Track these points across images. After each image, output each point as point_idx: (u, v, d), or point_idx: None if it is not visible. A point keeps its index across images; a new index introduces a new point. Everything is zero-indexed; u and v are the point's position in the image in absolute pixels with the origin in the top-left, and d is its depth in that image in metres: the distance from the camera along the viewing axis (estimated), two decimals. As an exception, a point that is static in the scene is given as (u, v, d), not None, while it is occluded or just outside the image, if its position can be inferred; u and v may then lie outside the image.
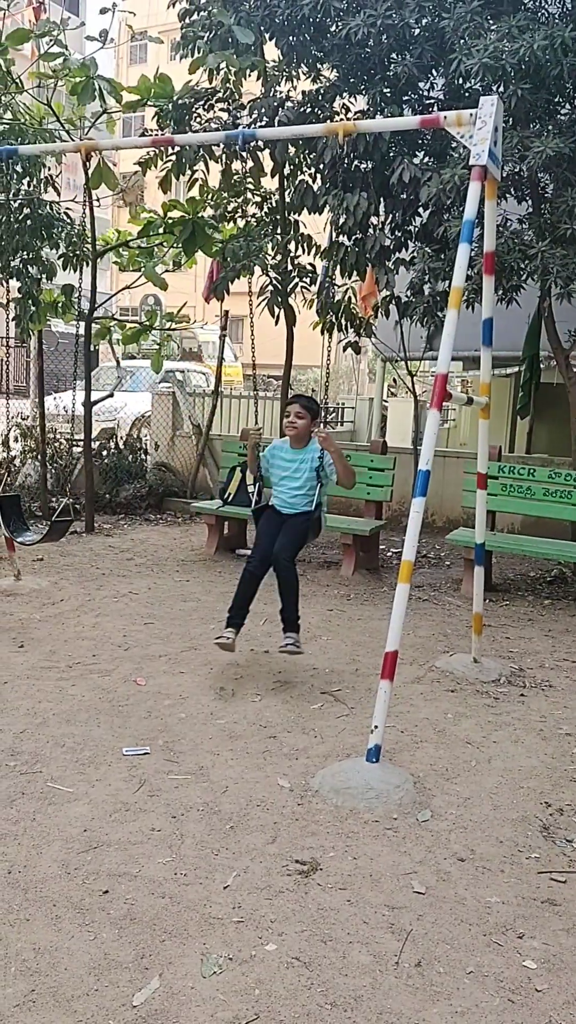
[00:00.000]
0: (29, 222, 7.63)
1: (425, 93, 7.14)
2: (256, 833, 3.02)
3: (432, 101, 7.10)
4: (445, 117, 3.88)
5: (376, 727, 3.46)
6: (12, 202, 7.30)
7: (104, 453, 9.52)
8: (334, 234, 7.58)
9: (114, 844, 2.90)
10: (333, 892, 2.70)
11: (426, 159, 6.96)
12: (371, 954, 2.42)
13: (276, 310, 7.94)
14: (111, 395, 9.16)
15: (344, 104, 7.47)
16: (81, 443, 8.50)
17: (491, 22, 5.94)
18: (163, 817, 3.09)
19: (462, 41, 5.89)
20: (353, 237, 7.16)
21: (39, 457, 8.67)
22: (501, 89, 5.89)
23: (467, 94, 6.64)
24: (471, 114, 3.79)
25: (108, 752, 3.59)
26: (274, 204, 8.15)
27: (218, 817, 3.11)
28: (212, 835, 2.99)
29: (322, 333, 8.36)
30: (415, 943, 2.48)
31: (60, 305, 8.28)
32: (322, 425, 5.03)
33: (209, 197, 8.18)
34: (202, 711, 4.09)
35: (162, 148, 7.57)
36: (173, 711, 4.07)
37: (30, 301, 7.83)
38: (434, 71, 6.83)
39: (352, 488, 4.99)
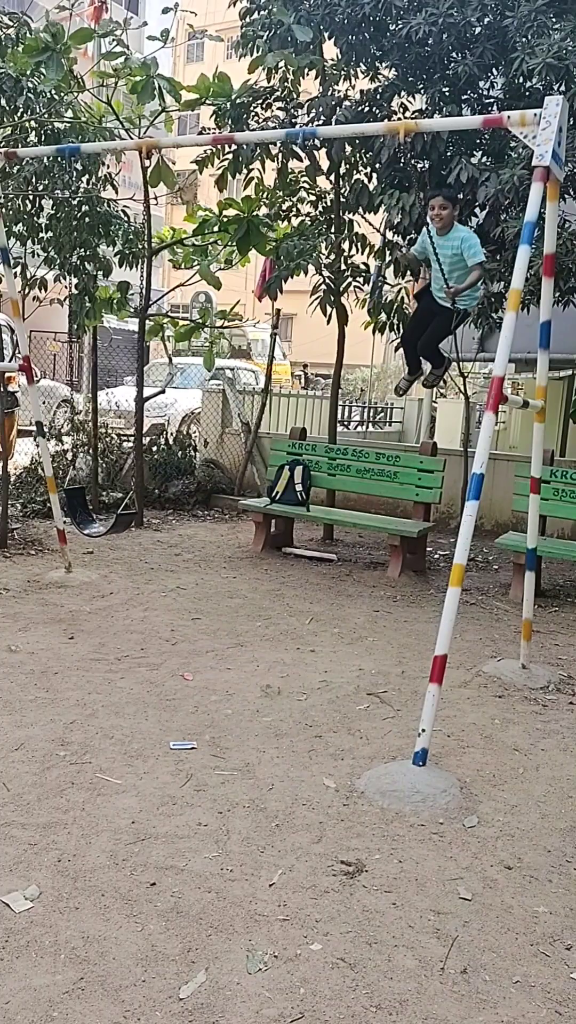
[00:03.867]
0: (87, 219, 7.73)
1: (484, 93, 7.07)
2: (302, 832, 3.03)
3: (491, 101, 7.03)
4: (508, 117, 3.84)
5: (424, 730, 3.45)
6: (72, 199, 7.40)
7: (154, 449, 9.60)
8: (388, 233, 7.55)
9: (161, 837, 2.93)
10: (378, 894, 2.69)
11: (484, 159, 6.89)
12: (416, 958, 2.41)
13: (328, 309, 7.93)
14: (162, 391, 9.24)
15: (402, 103, 7.43)
16: (131, 438, 8.59)
17: (555, 21, 5.86)
18: (209, 812, 3.12)
19: (525, 40, 5.82)
20: (408, 237, 7.12)
21: (91, 451, 8.78)
22: (563, 89, 5.82)
23: (527, 94, 6.56)
24: (535, 114, 3.75)
25: (156, 745, 3.63)
26: (329, 203, 8.13)
27: (264, 814, 3.13)
28: (258, 832, 3.00)
29: (373, 333, 8.35)
30: (461, 949, 2.46)
31: (115, 302, 8.37)
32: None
33: (264, 196, 8.20)
34: (248, 708, 4.11)
35: (219, 146, 7.61)
36: (219, 707, 4.09)
37: (86, 297, 7.92)
38: (494, 70, 6.76)
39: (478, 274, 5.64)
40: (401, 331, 8.08)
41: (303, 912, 2.58)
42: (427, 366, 6.54)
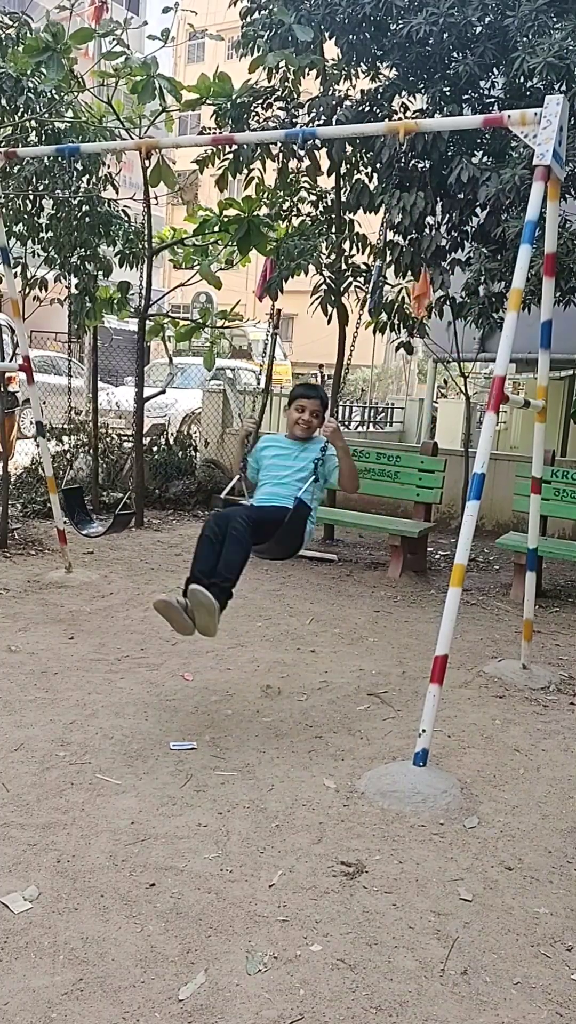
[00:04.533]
0: (88, 219, 7.72)
1: (485, 92, 7.06)
2: (302, 833, 3.02)
3: (492, 100, 7.02)
4: (509, 116, 3.83)
5: (424, 731, 3.44)
6: (72, 199, 7.40)
7: (154, 449, 9.60)
8: (389, 234, 7.54)
9: (161, 837, 2.92)
10: (379, 895, 2.68)
11: (485, 159, 6.88)
12: (417, 960, 2.40)
13: (329, 309, 7.92)
14: (163, 392, 9.24)
15: (403, 103, 7.43)
16: (132, 438, 8.59)
17: (556, 20, 5.85)
18: (209, 813, 3.11)
19: (525, 40, 5.81)
20: (409, 237, 7.11)
21: (91, 451, 8.78)
22: (564, 89, 5.81)
23: (528, 93, 6.55)
24: (536, 113, 3.74)
25: (155, 746, 3.62)
26: (329, 203, 8.12)
27: (264, 815, 3.12)
28: (258, 833, 3.00)
29: (374, 333, 8.34)
30: (461, 951, 2.45)
31: (115, 302, 8.37)
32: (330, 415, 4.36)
33: (265, 196, 8.20)
34: (248, 708, 4.10)
35: (220, 146, 7.61)
36: (219, 707, 4.09)
37: (86, 297, 7.92)
38: (495, 70, 6.75)
39: (355, 491, 4.33)
40: (402, 331, 8.08)
41: (303, 913, 2.57)
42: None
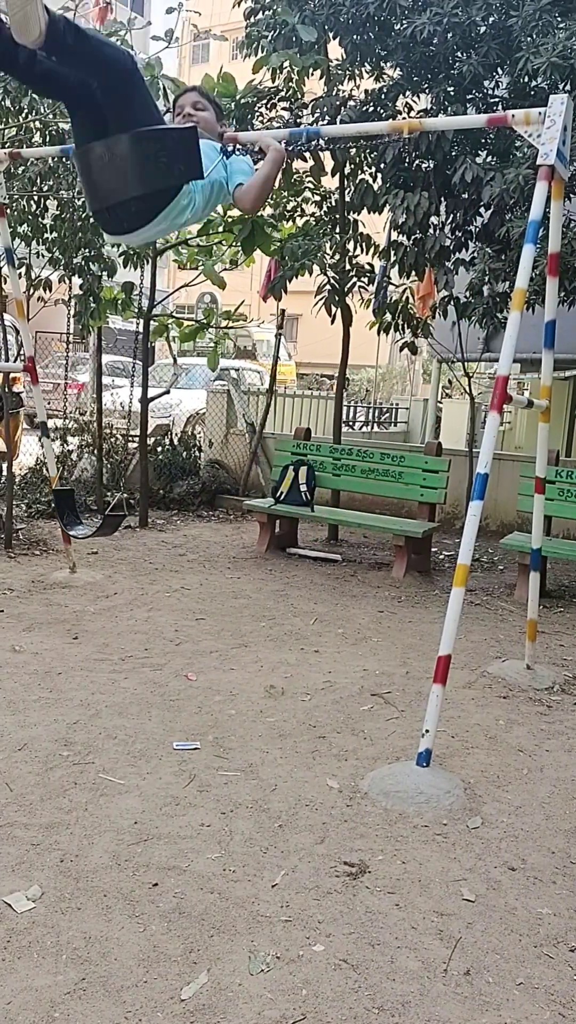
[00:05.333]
0: (92, 220, 7.72)
1: (489, 92, 7.05)
2: (305, 833, 3.02)
3: (496, 100, 7.02)
4: (513, 116, 3.82)
5: (427, 731, 3.44)
6: (76, 200, 7.40)
7: (159, 449, 9.61)
8: (393, 234, 7.54)
9: (164, 837, 2.93)
10: (381, 896, 2.68)
11: (489, 159, 6.88)
12: (419, 960, 2.40)
13: (333, 309, 7.93)
14: (167, 392, 9.24)
15: (407, 103, 7.43)
16: (136, 439, 8.59)
17: (560, 20, 5.85)
18: (212, 813, 3.11)
19: (529, 39, 5.81)
20: (413, 237, 7.11)
21: (95, 452, 8.79)
22: (568, 88, 5.80)
23: (532, 93, 6.54)
24: (540, 113, 3.73)
25: (159, 746, 3.62)
26: (333, 203, 8.13)
27: (267, 815, 3.12)
28: (261, 833, 3.00)
29: (378, 333, 8.34)
30: (464, 951, 2.45)
31: (120, 302, 8.37)
32: None
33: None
34: (252, 708, 4.10)
35: (224, 147, 7.60)
36: (223, 707, 4.09)
37: (91, 298, 7.93)
38: (499, 70, 6.75)
39: (252, 209, 3.48)
40: (406, 331, 8.09)
41: (306, 913, 2.57)
42: None
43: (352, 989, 2.27)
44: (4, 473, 7.17)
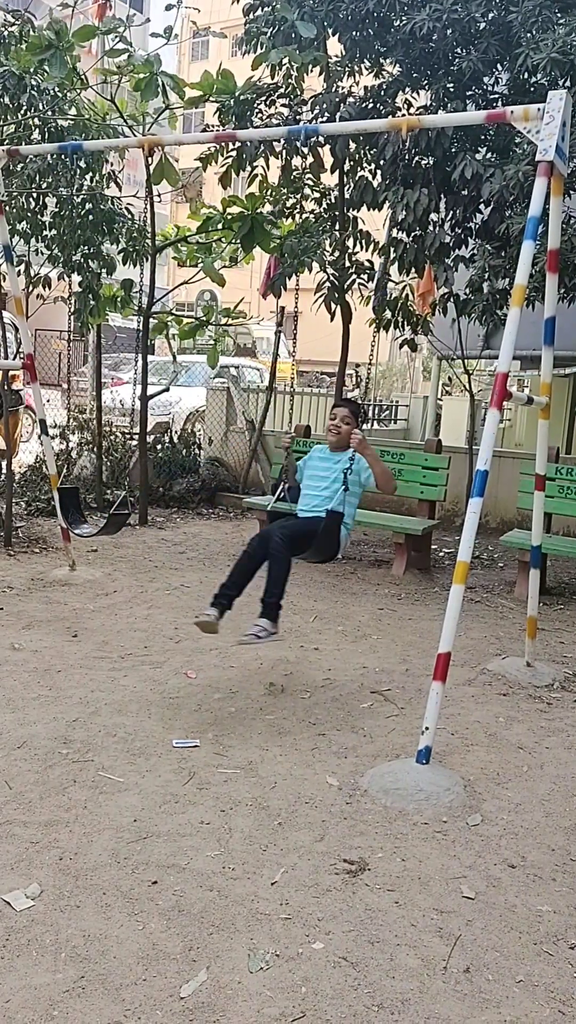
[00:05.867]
0: (91, 217, 7.72)
1: (489, 88, 7.04)
2: (304, 830, 3.01)
3: (496, 96, 7.01)
4: (512, 112, 3.82)
5: (427, 728, 3.43)
6: (75, 197, 7.39)
7: (158, 447, 9.60)
8: (393, 230, 7.52)
9: (163, 835, 2.92)
10: (381, 893, 2.68)
11: (489, 155, 6.87)
12: (419, 958, 2.40)
13: (332, 306, 7.92)
14: (167, 389, 9.23)
15: (406, 99, 7.41)
16: (136, 436, 8.59)
17: (560, 16, 5.84)
18: (212, 810, 3.11)
19: (529, 35, 5.80)
20: (412, 234, 7.09)
21: (95, 449, 8.78)
22: (568, 84, 5.79)
23: (532, 89, 6.53)
24: (539, 109, 3.73)
25: (158, 743, 3.62)
26: (333, 200, 8.12)
27: (266, 813, 3.12)
28: (260, 830, 2.99)
29: (377, 330, 8.33)
30: (464, 949, 2.45)
31: (119, 300, 8.36)
32: (360, 427, 4.82)
33: (268, 193, 8.19)
34: (251, 706, 4.10)
35: (223, 144, 7.60)
36: (223, 705, 4.08)
37: (90, 295, 7.92)
38: (499, 66, 6.73)
39: (393, 492, 4.78)
40: (406, 328, 8.07)
41: (305, 911, 2.56)
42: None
43: (352, 986, 2.26)
44: (4, 471, 7.16)
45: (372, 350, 5.04)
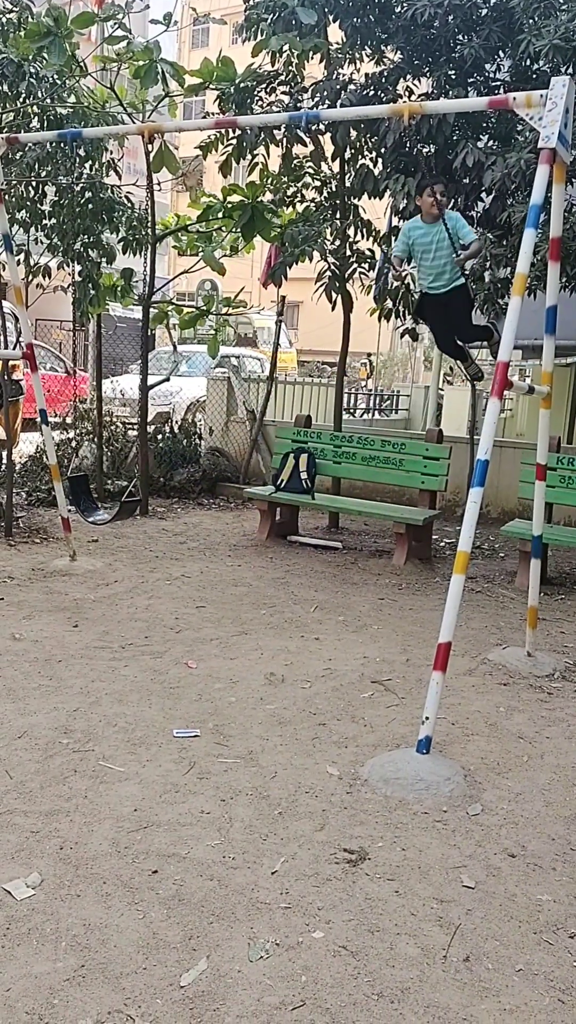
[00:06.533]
0: (91, 206, 7.69)
1: (491, 75, 6.99)
2: (304, 820, 3.02)
3: (498, 83, 6.96)
4: (514, 98, 3.79)
5: (427, 718, 3.43)
6: (75, 186, 7.36)
7: (159, 437, 9.58)
8: (394, 219, 7.48)
9: (164, 825, 2.93)
10: (381, 882, 2.68)
11: (490, 143, 6.82)
12: (419, 947, 2.40)
13: (333, 296, 7.88)
14: (167, 379, 9.21)
15: (408, 87, 7.36)
16: (136, 426, 8.57)
17: (562, 2, 5.79)
18: (212, 800, 3.11)
19: (531, 22, 5.75)
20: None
21: (96, 439, 8.77)
22: (570, 71, 5.75)
23: (534, 76, 6.49)
24: (541, 95, 3.70)
25: (159, 733, 3.62)
26: (334, 189, 8.07)
27: (267, 802, 3.12)
28: (260, 820, 3.00)
29: (379, 320, 8.30)
30: (464, 938, 2.45)
31: (119, 289, 8.33)
32: None
33: (269, 181, 8.14)
34: (252, 696, 4.10)
35: (223, 132, 7.55)
36: (223, 695, 4.09)
37: (90, 285, 7.89)
38: (501, 52, 6.68)
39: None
40: (407, 317, 8.04)
41: (305, 900, 2.57)
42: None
43: (351, 975, 2.27)
44: (4, 461, 7.15)
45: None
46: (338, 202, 7.82)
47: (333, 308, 7.82)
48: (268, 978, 2.24)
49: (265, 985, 2.21)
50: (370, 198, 7.39)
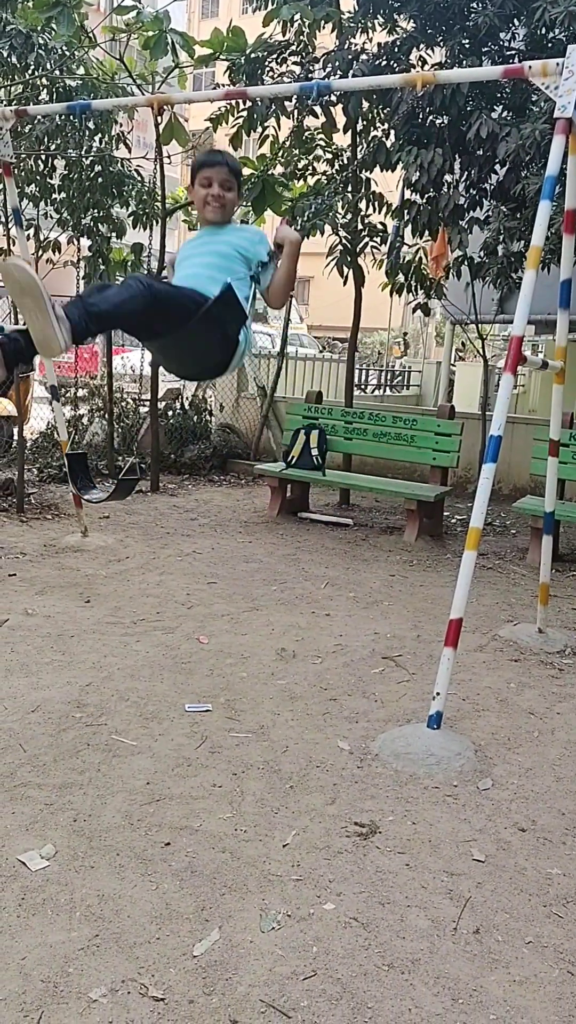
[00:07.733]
0: (100, 179, 7.63)
1: (506, 44, 6.88)
2: (316, 793, 3.04)
3: (512, 52, 6.84)
4: (529, 67, 3.72)
5: (438, 694, 3.44)
6: (84, 159, 7.30)
7: (170, 413, 9.57)
8: (406, 192, 7.40)
9: (176, 798, 2.95)
10: (392, 856, 2.70)
11: (505, 114, 6.72)
12: (429, 919, 2.42)
13: (345, 270, 7.82)
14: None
15: (421, 56, 7.25)
16: (147, 403, 8.55)
17: (579, -33, 5.67)
18: (224, 774, 3.13)
19: (547, -12, 5.64)
20: (426, 195, 6.98)
21: (106, 416, 8.76)
22: (587, 39, 5.64)
23: (550, 44, 6.37)
24: (558, 64, 3.63)
25: (171, 708, 3.65)
26: (345, 161, 7.98)
27: (278, 776, 3.14)
28: (272, 793, 3.02)
29: (391, 294, 8.23)
30: (474, 910, 2.47)
31: (129, 264, 8.29)
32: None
33: (279, 154, 8.06)
34: (263, 671, 4.12)
35: (233, 104, 7.47)
36: (235, 670, 4.10)
37: (100, 259, 7.85)
38: (516, 20, 6.57)
39: (281, 306, 3.52)
40: (419, 292, 7.98)
41: (316, 872, 2.59)
42: None
43: (362, 946, 2.29)
44: (15, 437, 7.16)
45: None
46: (350, 175, 7.73)
47: (345, 283, 7.77)
48: (280, 948, 2.26)
49: (277, 955, 2.24)
50: (382, 171, 7.31)
